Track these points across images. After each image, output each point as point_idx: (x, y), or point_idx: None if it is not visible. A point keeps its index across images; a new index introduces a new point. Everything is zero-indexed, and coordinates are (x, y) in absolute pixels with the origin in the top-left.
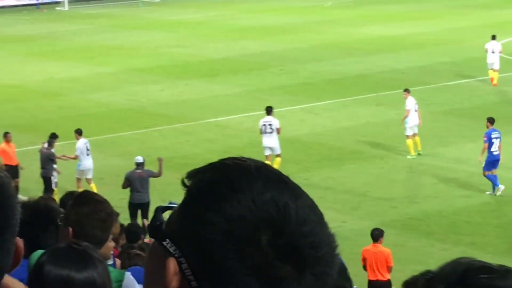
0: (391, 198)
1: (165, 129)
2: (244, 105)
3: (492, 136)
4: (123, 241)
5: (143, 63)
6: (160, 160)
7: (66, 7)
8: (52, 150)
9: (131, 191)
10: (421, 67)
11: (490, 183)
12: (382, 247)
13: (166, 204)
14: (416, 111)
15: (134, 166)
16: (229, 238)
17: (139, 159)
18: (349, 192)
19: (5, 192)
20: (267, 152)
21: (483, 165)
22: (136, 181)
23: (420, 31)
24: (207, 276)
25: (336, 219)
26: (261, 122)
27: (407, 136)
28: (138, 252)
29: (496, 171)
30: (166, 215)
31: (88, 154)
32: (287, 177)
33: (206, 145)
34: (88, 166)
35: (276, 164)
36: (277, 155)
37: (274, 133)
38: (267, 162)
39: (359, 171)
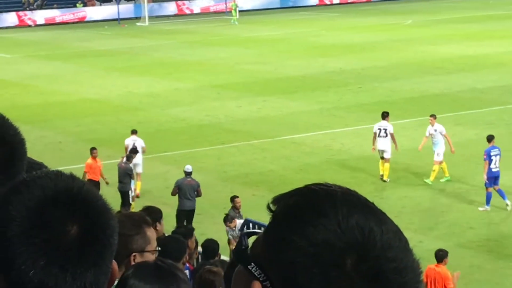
0: (468, 219)
1: (242, 145)
2: (322, 122)
3: (492, 153)
4: (197, 255)
5: (222, 79)
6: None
7: (146, 22)
8: (130, 165)
9: (180, 198)
10: (502, 87)
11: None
12: (445, 268)
13: (252, 230)
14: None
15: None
16: (314, 262)
17: (189, 168)
18: (426, 212)
19: (108, 213)
20: (380, 155)
21: (486, 182)
22: (186, 189)
23: (501, 51)
24: None
25: (413, 239)
26: (376, 126)
27: (437, 162)
28: (212, 268)
29: (498, 187)
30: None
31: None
32: (372, 203)
33: (282, 162)
34: (135, 161)
35: (386, 168)
36: (386, 160)
37: (388, 137)
38: (381, 162)
39: (436, 191)
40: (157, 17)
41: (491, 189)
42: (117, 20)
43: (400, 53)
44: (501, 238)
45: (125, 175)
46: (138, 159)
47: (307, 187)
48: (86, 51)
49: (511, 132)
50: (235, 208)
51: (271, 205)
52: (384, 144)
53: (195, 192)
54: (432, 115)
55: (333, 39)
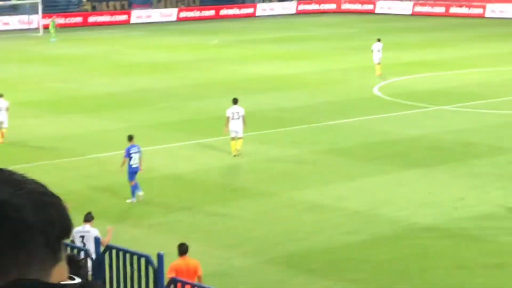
0: (275, 235)
1: (47, 164)
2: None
3: (131, 151)
4: None
5: (27, 97)
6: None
7: None
8: None
9: None
10: (306, 106)
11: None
12: (191, 258)
13: None
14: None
15: None
16: None
17: None
18: (234, 229)
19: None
20: (233, 135)
21: (127, 176)
22: None
23: (305, 71)
24: None
25: (220, 256)
26: (229, 111)
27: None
28: None
29: (135, 181)
30: None
31: None
32: (19, 174)
33: (87, 181)
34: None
35: (239, 144)
36: (240, 138)
37: (240, 119)
38: (233, 142)
39: (244, 208)
40: None
41: (133, 183)
42: None
43: (207, 72)
44: (306, 254)
45: None
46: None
47: None
48: None
49: (315, 151)
50: None
51: None
52: (237, 125)
53: None
54: None
55: (141, 58)
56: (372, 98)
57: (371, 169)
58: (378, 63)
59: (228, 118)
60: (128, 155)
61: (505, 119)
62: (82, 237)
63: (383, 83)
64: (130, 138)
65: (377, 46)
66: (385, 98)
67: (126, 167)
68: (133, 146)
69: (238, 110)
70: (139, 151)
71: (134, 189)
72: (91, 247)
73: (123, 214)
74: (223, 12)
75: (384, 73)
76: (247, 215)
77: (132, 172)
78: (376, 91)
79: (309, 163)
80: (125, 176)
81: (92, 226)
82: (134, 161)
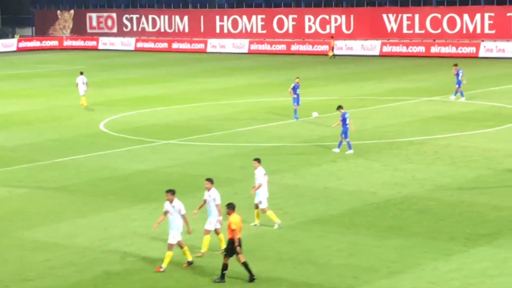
0: (3, 277)
1: None
2: None
3: None
4: None
5: None
6: None
7: None
8: None
9: None
10: (30, 144)
11: None
12: None
13: None
14: None
15: None
16: None
17: None
18: None
19: None
20: None
21: None
22: None
23: (29, 109)
24: None
25: None
26: None
27: None
28: None
29: None
30: None
31: None
32: None
33: None
34: None
35: None
36: None
37: None
38: None
39: None
40: None
41: None
42: None
43: None
44: None
45: None
46: None
47: None
48: None
49: (42, 189)
50: None
51: None
52: None
53: None
54: None
55: None
56: (98, 134)
57: (101, 205)
58: (83, 95)
59: None
60: None
61: (229, 151)
62: None
63: (109, 118)
64: None
65: (81, 79)
66: (112, 134)
67: None
68: None
69: None
70: None
71: None
72: None
73: None
74: None
75: (90, 105)
76: None
77: None
78: (102, 127)
79: (38, 201)
80: None
81: None
82: None
